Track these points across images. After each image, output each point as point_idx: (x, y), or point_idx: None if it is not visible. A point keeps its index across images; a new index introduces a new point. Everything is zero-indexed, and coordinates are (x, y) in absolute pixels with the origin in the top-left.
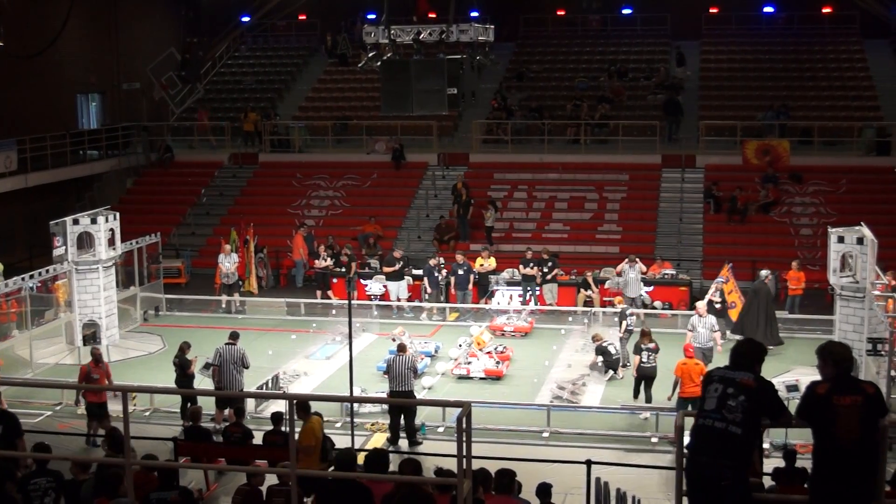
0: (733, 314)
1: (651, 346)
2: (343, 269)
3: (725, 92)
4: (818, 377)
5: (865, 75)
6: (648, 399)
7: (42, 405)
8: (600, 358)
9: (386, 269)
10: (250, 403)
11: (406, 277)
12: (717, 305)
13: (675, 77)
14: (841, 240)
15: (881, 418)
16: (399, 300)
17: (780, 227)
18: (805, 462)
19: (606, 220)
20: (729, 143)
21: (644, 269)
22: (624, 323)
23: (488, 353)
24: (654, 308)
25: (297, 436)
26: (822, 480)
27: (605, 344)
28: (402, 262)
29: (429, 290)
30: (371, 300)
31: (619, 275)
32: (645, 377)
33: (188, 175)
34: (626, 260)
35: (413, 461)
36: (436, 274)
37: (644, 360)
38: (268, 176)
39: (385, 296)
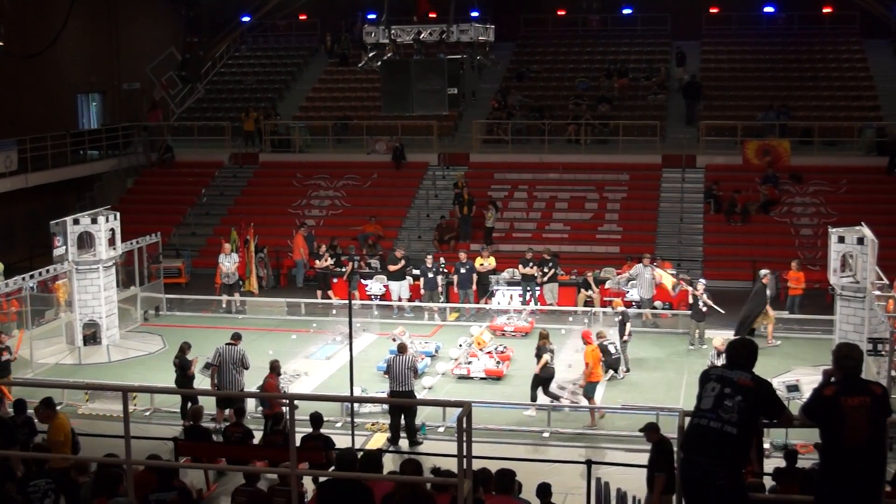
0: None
1: (552, 347)
2: (344, 270)
3: (726, 92)
4: (818, 377)
5: (866, 75)
6: (535, 398)
7: None
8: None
9: (391, 268)
10: (250, 403)
11: (407, 277)
12: (704, 308)
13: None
14: (841, 240)
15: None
16: (400, 300)
17: (780, 227)
18: (805, 462)
19: (607, 220)
20: (729, 143)
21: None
22: (628, 326)
23: (488, 353)
24: (655, 308)
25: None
26: (830, 481)
27: (606, 343)
28: (404, 262)
29: (421, 290)
30: (371, 300)
31: (620, 274)
32: (549, 378)
33: (188, 175)
34: (642, 260)
35: (414, 461)
36: (430, 275)
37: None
38: (268, 176)
39: (386, 295)
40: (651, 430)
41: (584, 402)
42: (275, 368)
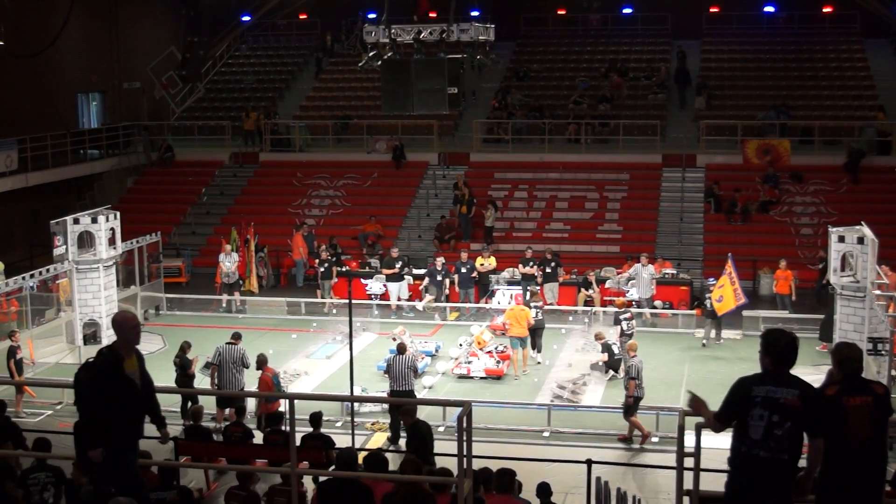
0: (720, 308)
1: (539, 304)
2: (346, 269)
3: (726, 91)
4: (817, 376)
5: (866, 75)
6: (539, 347)
7: (43, 404)
8: (606, 355)
9: (385, 271)
10: (251, 403)
11: (406, 277)
12: (707, 305)
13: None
14: (842, 239)
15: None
16: (399, 300)
17: (780, 226)
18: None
19: (607, 219)
20: (730, 142)
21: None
22: (618, 327)
23: (489, 352)
24: (655, 307)
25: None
26: (832, 481)
27: (609, 342)
28: (401, 263)
29: (429, 291)
30: (371, 300)
31: (620, 274)
32: (536, 329)
33: (189, 174)
34: (639, 259)
35: (413, 461)
36: (438, 277)
37: (534, 315)
38: (268, 175)
39: (385, 295)
40: (406, 414)
41: (584, 402)
42: (260, 361)
